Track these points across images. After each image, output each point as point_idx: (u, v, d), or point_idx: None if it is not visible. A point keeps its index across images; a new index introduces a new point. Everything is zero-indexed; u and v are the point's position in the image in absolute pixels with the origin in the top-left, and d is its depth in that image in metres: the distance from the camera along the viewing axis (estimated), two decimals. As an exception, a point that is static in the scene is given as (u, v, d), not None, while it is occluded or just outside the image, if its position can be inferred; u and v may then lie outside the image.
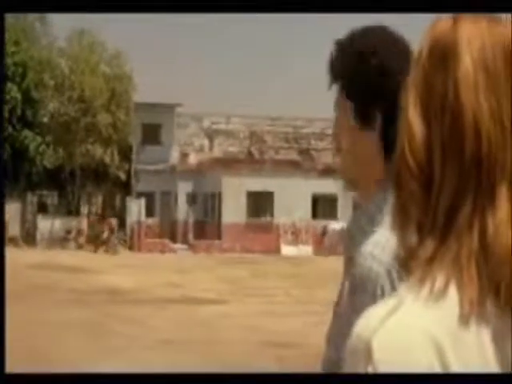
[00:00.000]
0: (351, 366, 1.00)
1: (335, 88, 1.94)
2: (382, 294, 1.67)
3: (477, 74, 1.03)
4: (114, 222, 42.13)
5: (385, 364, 0.97)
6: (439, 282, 1.00)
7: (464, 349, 0.97)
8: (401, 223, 1.06)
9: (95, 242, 42.36)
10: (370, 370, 0.97)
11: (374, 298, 1.66)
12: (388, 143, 1.84)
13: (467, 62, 1.04)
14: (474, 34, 1.05)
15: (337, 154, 1.97)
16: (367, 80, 1.87)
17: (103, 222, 43.29)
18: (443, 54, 1.06)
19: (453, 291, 0.99)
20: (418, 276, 1.02)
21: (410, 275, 1.03)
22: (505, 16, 1.10)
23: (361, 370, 0.98)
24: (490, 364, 0.98)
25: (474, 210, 1.01)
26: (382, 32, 1.91)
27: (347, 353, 1.01)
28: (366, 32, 1.91)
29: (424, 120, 1.05)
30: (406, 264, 1.05)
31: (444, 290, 0.99)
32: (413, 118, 1.06)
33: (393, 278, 1.68)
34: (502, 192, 1.01)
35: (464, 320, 0.98)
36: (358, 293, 1.73)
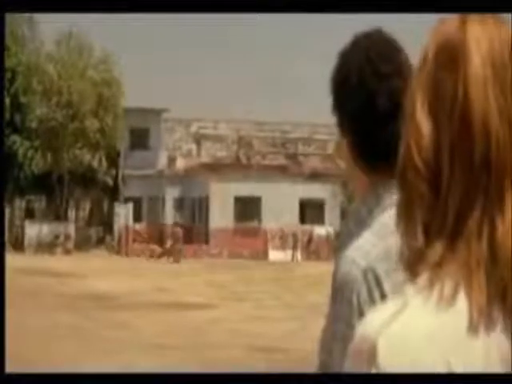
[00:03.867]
0: (354, 367, 1.00)
1: (327, 95, 1.95)
2: (358, 300, 1.65)
3: (486, 75, 1.02)
4: (180, 231, 41.44)
5: (389, 366, 0.96)
6: (448, 287, 0.99)
7: (470, 355, 0.96)
8: (406, 224, 1.05)
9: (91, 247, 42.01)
10: (373, 371, 0.97)
11: (350, 304, 1.66)
12: (359, 148, 1.86)
13: (477, 62, 1.03)
14: (482, 34, 1.04)
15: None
16: (334, 90, 1.90)
17: (168, 230, 42.36)
18: (451, 55, 1.04)
19: (461, 297, 0.98)
20: (426, 279, 1.00)
21: (416, 277, 1.02)
22: (505, 16, 1.10)
23: (364, 371, 0.98)
24: (495, 370, 0.97)
25: (484, 213, 1.00)
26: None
27: (350, 353, 1.01)
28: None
29: (432, 121, 1.04)
30: (412, 265, 1.03)
31: (453, 296, 0.98)
32: (421, 118, 1.05)
33: (370, 285, 1.66)
34: (511, 195, 1.00)
35: (472, 327, 0.97)
36: (337, 297, 1.71)
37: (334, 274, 1.75)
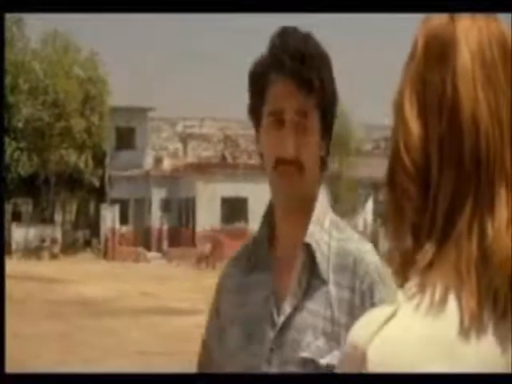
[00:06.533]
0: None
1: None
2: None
3: (475, 70, 1.01)
4: (221, 237, 40.23)
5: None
6: (439, 291, 0.97)
7: (462, 361, 0.95)
8: (395, 226, 1.03)
9: (74, 250, 41.47)
10: None
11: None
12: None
13: (465, 57, 1.01)
14: (471, 30, 1.03)
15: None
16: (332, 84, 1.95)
17: (208, 237, 41.54)
18: (440, 50, 1.03)
19: (452, 301, 0.97)
20: (417, 283, 0.99)
21: (407, 282, 1.00)
22: (504, 16, 1.10)
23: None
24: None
25: (474, 213, 0.98)
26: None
27: (341, 359, 1.01)
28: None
29: (421, 117, 1.02)
30: (402, 270, 1.02)
31: (444, 300, 0.96)
32: (409, 115, 1.03)
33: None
34: (501, 194, 0.98)
35: (464, 332, 0.95)
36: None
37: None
